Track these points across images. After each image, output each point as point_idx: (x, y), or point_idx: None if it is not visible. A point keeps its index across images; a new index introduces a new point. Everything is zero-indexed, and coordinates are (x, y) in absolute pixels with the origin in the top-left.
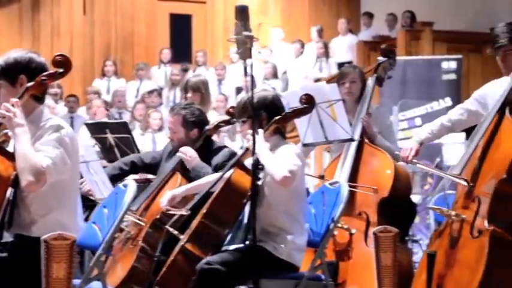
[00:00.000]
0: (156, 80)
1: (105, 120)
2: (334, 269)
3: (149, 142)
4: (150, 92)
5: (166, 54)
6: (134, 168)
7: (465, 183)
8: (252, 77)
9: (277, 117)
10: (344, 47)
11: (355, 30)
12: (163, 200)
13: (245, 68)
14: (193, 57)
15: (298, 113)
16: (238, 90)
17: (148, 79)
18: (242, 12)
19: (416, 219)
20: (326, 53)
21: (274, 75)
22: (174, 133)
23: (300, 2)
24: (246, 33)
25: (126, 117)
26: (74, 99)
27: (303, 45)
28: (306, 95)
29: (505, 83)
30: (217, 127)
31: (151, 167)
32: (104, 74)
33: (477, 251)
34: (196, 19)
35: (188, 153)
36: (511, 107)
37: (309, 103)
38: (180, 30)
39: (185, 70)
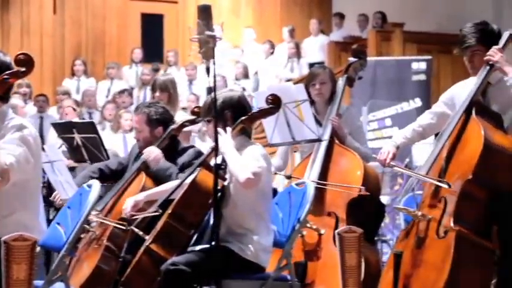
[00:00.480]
0: (128, 80)
1: (75, 120)
2: (302, 269)
3: (120, 142)
4: (121, 92)
5: (138, 54)
6: (103, 175)
7: (447, 187)
8: (215, 76)
9: (242, 118)
10: (315, 48)
11: (327, 30)
12: (126, 207)
13: (207, 68)
14: (165, 57)
15: (264, 113)
16: (209, 90)
17: (120, 79)
18: (204, 12)
19: (386, 219)
20: (297, 54)
21: (245, 76)
22: (139, 132)
23: (272, 3)
24: (208, 32)
25: (96, 117)
26: (43, 99)
27: (273, 46)
28: (272, 95)
29: (471, 84)
30: (182, 126)
31: (120, 173)
32: (73, 74)
33: (443, 251)
34: (167, 19)
35: (153, 154)
36: (477, 108)
37: (275, 103)
38: (152, 30)
39: (156, 70)
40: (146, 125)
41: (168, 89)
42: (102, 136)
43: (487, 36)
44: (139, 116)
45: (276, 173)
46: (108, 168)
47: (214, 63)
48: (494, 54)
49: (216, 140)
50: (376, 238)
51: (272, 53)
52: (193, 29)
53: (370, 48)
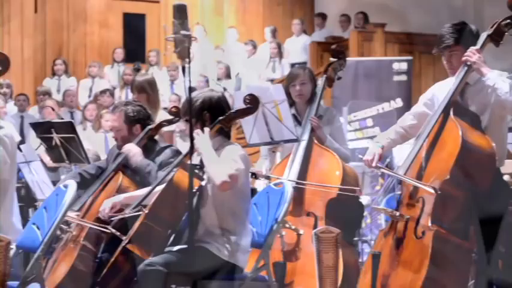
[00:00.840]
0: (109, 80)
1: (54, 119)
2: (281, 270)
3: (101, 142)
4: (103, 92)
5: (120, 53)
6: (83, 180)
7: (432, 191)
8: (190, 76)
9: (220, 118)
10: (298, 48)
11: (310, 31)
12: (103, 208)
13: (183, 68)
14: (147, 57)
15: (241, 113)
16: (192, 90)
17: (101, 78)
18: (180, 11)
19: (368, 220)
20: (279, 54)
21: (227, 76)
22: (117, 131)
23: (255, 3)
24: (183, 32)
25: (78, 117)
26: (24, 98)
27: (255, 46)
28: (250, 95)
29: (450, 84)
30: (159, 126)
31: (99, 178)
32: (54, 73)
33: (421, 251)
34: (149, 19)
35: (133, 150)
36: (455, 108)
37: (252, 103)
38: (134, 30)
39: (137, 70)
40: (124, 123)
41: (146, 90)
42: (82, 136)
43: (465, 36)
44: (117, 114)
45: (255, 177)
46: (87, 173)
47: (189, 63)
48: (472, 54)
49: (191, 140)
50: (357, 238)
51: (255, 53)
52: (170, 28)
53: (352, 49)
